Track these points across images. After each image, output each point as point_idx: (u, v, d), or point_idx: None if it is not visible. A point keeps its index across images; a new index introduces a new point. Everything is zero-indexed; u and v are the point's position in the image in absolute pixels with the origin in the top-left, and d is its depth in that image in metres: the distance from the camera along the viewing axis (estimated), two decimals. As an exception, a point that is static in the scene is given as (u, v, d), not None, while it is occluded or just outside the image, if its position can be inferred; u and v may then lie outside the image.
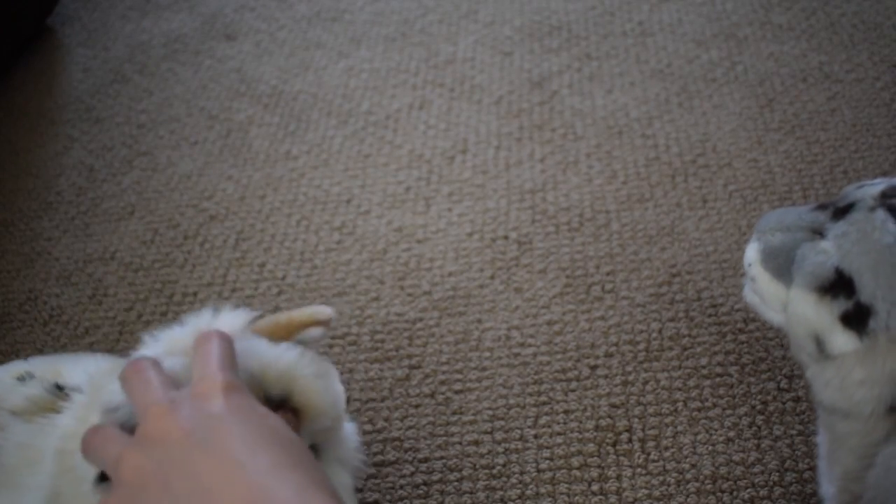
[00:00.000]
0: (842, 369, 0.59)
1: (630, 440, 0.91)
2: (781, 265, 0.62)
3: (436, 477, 0.91)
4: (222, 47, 1.63)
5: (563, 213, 1.19)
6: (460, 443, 0.94)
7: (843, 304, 0.57)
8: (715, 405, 0.93)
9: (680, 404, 0.94)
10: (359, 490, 0.91)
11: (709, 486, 0.86)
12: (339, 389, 0.63)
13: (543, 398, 0.97)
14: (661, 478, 0.88)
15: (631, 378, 0.97)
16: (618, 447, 0.91)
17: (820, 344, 0.60)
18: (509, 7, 1.62)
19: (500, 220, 1.19)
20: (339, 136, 1.38)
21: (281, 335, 0.61)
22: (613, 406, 0.95)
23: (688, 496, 0.86)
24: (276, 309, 1.11)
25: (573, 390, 0.97)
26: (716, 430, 0.91)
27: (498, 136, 1.33)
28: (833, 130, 1.25)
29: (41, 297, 1.18)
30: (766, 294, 0.65)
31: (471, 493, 0.89)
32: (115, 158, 1.40)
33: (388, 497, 0.90)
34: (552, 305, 1.07)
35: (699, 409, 0.93)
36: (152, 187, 1.33)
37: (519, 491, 0.89)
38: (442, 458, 0.93)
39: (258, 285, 1.15)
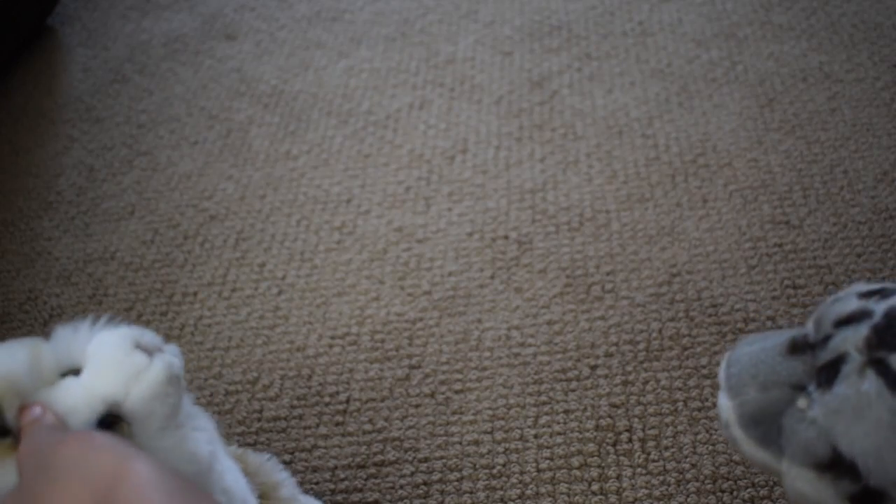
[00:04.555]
0: None
1: (630, 440, 0.91)
2: (766, 433, 0.55)
3: (436, 477, 0.91)
4: (222, 47, 1.63)
5: (563, 212, 1.19)
6: (460, 443, 0.94)
7: (849, 486, 0.52)
8: (715, 405, 0.93)
9: (680, 404, 0.94)
10: (359, 490, 0.91)
11: (709, 486, 0.86)
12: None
13: (543, 398, 0.97)
14: (661, 477, 0.88)
15: (631, 378, 0.97)
16: (618, 447, 0.91)
17: None
18: (509, 7, 1.62)
19: (500, 219, 1.19)
20: (339, 136, 1.38)
21: None
22: (613, 406, 0.95)
23: (688, 496, 0.86)
24: (276, 309, 1.11)
25: (573, 390, 0.97)
26: (716, 430, 0.91)
27: (498, 135, 1.33)
28: (833, 130, 1.25)
29: (41, 297, 1.18)
30: (752, 459, 0.59)
31: (471, 493, 0.89)
32: (115, 158, 1.40)
33: (388, 497, 0.90)
34: (552, 305, 1.07)
35: (699, 409, 0.93)
36: (152, 187, 1.33)
37: (519, 491, 0.89)
38: (442, 458, 0.93)
39: (258, 285, 1.15)
